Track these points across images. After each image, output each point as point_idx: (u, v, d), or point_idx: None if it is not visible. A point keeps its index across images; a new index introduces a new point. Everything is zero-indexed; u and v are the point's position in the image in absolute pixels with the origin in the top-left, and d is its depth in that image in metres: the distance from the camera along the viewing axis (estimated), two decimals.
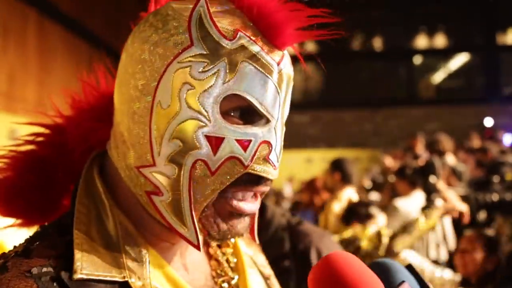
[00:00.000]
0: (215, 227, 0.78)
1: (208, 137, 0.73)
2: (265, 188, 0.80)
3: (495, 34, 13.15)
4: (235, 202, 0.77)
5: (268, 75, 0.75)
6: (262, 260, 1.01)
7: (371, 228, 3.00)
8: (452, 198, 3.42)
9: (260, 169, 0.76)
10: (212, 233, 0.79)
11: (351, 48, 13.59)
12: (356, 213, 3.06)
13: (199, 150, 0.73)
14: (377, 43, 13.67)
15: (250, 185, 0.77)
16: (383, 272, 0.81)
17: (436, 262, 3.58)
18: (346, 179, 4.16)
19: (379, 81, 13.83)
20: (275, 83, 0.76)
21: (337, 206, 3.75)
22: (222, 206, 0.77)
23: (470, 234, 3.05)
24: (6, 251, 0.77)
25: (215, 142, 0.73)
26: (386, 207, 4.82)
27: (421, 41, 13.55)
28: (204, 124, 0.73)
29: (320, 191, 5.00)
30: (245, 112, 0.76)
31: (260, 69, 0.74)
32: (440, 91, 14.32)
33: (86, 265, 0.72)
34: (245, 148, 0.74)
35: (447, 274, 2.99)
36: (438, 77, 14.40)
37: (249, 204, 0.79)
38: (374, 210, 3.11)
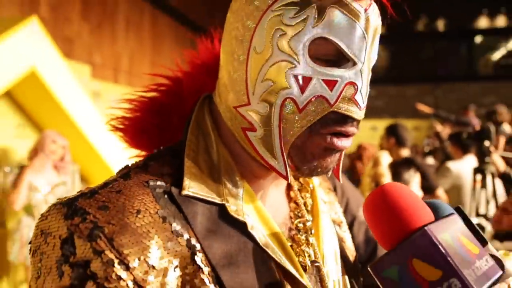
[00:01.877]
0: (306, 162, 0.74)
1: (296, 77, 0.69)
2: (352, 129, 0.73)
3: None
4: (329, 139, 0.71)
5: (355, 20, 0.69)
6: (336, 207, 0.97)
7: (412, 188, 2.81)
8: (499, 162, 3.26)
9: (345, 108, 0.70)
10: (301, 168, 0.74)
11: (416, 29, 12.98)
12: (397, 175, 2.84)
13: (289, 89, 0.69)
14: (440, 25, 12.96)
15: (338, 124, 0.71)
16: (434, 209, 0.75)
17: (485, 216, 3.43)
18: (400, 143, 4.02)
19: (440, 59, 13.15)
20: (362, 28, 0.69)
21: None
22: (316, 143, 0.72)
23: None
24: None
25: (303, 82, 0.69)
26: (439, 168, 4.69)
27: (482, 22, 12.71)
28: (293, 66, 0.69)
29: (363, 158, 4.70)
30: (334, 56, 0.70)
31: (348, 14, 0.68)
32: (498, 68, 13.40)
33: (193, 185, 0.72)
34: (331, 88, 0.69)
35: (484, 223, 2.78)
36: (497, 55, 13.51)
37: (343, 140, 0.73)
38: (412, 172, 2.87)
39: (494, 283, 0.63)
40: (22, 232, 3.61)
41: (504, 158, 3.53)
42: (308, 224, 0.85)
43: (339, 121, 0.71)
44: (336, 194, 0.99)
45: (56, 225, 0.65)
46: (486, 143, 3.29)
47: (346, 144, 0.73)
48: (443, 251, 0.59)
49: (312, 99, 0.69)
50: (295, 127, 0.71)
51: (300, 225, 0.84)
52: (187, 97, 0.89)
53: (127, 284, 0.62)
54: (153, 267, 0.64)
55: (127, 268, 0.62)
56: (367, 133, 11.43)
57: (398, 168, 2.73)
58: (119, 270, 0.62)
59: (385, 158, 2.93)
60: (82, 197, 0.68)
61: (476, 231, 0.80)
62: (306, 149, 0.73)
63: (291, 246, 0.80)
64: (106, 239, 0.62)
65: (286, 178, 0.74)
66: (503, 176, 3.18)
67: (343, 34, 0.68)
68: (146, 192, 0.70)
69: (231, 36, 0.75)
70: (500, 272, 0.64)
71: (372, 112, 12.19)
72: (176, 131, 0.89)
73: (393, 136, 4.07)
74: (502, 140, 4.76)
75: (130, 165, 0.77)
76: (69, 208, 0.66)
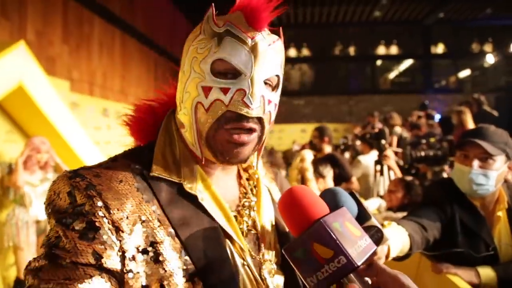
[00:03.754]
0: (218, 152, 0.79)
1: (203, 87, 0.76)
2: (249, 124, 0.77)
3: (430, 46, 12.85)
4: (230, 133, 0.77)
5: (242, 45, 0.76)
6: (276, 192, 0.99)
7: (328, 180, 2.85)
8: (391, 155, 3.43)
9: (238, 108, 0.75)
10: (216, 155, 0.80)
11: (334, 53, 13.39)
12: (317, 170, 2.89)
13: (198, 96, 0.77)
14: (351, 51, 13.44)
15: (236, 120, 0.77)
16: (332, 195, 0.82)
17: (382, 197, 3.59)
18: (329, 141, 4.08)
19: (352, 77, 13.64)
20: (248, 50, 0.76)
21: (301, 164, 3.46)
22: (221, 137, 0.78)
23: (395, 178, 2.98)
24: None
25: (207, 90, 0.76)
26: (352, 161, 4.85)
27: (381, 50, 13.29)
28: (201, 80, 0.77)
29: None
30: (229, 71, 0.76)
31: (237, 41, 0.76)
32: (393, 84, 14.12)
33: (159, 169, 0.78)
34: (225, 93, 0.75)
35: (375, 202, 2.92)
36: (392, 74, 14.18)
37: (242, 136, 0.78)
38: (328, 168, 2.91)
39: (371, 256, 0.68)
40: (18, 217, 3.48)
41: (395, 152, 3.72)
42: (252, 203, 0.88)
43: (236, 119, 0.76)
44: (276, 183, 1.03)
45: (63, 184, 0.73)
46: (383, 141, 3.46)
47: (245, 139, 0.78)
48: (334, 236, 0.63)
49: (213, 102, 0.76)
50: (205, 123, 0.78)
51: (246, 203, 0.87)
52: (161, 114, 0.92)
53: (107, 222, 0.69)
54: (127, 217, 0.71)
55: (109, 212, 0.70)
56: (298, 134, 11.68)
57: (317, 164, 2.83)
58: (103, 211, 0.70)
59: (309, 155, 3.00)
60: (82, 169, 0.76)
61: (363, 210, 0.88)
62: (216, 141, 0.78)
63: (235, 216, 0.83)
64: (97, 193, 0.71)
65: (201, 159, 0.80)
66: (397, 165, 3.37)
67: (234, 56, 0.75)
68: (128, 170, 0.77)
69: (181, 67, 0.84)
70: (374, 248, 0.69)
71: (302, 118, 12.56)
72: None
73: (327, 136, 4.09)
74: (394, 139, 4.96)
75: (117, 154, 0.84)
76: (73, 174, 0.74)
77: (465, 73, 13.00)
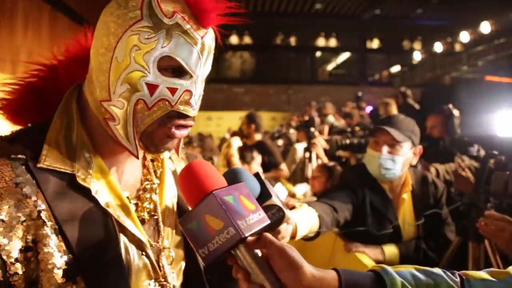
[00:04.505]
0: (153, 145, 0.78)
1: (147, 84, 0.72)
2: (190, 122, 0.78)
3: (366, 41, 13.47)
4: (172, 130, 0.76)
5: (193, 45, 0.74)
6: None
7: (254, 166, 2.88)
8: (320, 143, 3.57)
9: (183, 108, 0.75)
10: (150, 148, 0.78)
11: (275, 43, 13.53)
12: (243, 156, 2.91)
13: (140, 93, 0.72)
14: (292, 41, 13.68)
15: (178, 119, 0.76)
16: (234, 173, 0.83)
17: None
18: (257, 129, 4.08)
19: (292, 67, 13.91)
20: (198, 51, 0.75)
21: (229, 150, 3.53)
22: (162, 132, 0.76)
23: (318, 165, 3.07)
24: None
25: (152, 88, 0.72)
26: (289, 149, 4.94)
27: (321, 42, 13.68)
28: (145, 75, 0.72)
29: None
30: (176, 69, 0.74)
31: (188, 40, 0.73)
32: (331, 76, 14.63)
33: (48, 158, 0.72)
34: (173, 93, 0.74)
35: (303, 188, 3.04)
36: (330, 66, 14.67)
37: (182, 131, 0.78)
38: (255, 154, 2.97)
39: (263, 229, 0.70)
40: None
41: (326, 140, 3.86)
42: (155, 185, 0.87)
43: (179, 117, 0.76)
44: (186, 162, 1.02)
45: None
46: (312, 129, 3.58)
47: (184, 133, 0.79)
48: (224, 208, 0.64)
49: (159, 101, 0.73)
50: (145, 120, 0.74)
51: (148, 186, 0.86)
52: (63, 82, 0.85)
53: None
54: (3, 221, 0.66)
55: None
56: (237, 122, 11.67)
57: (243, 151, 2.84)
58: None
59: (236, 142, 3.01)
60: None
61: (265, 190, 0.90)
62: (154, 136, 0.77)
63: (136, 203, 0.83)
64: None
65: (136, 157, 0.78)
66: (324, 152, 3.49)
67: (183, 54, 0.73)
68: (6, 163, 0.70)
69: (98, 44, 0.75)
70: (267, 222, 0.71)
71: (241, 105, 12.59)
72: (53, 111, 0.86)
73: (254, 123, 4.10)
74: (326, 128, 5.15)
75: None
76: None
77: (396, 68, 13.80)
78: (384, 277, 0.76)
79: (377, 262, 1.79)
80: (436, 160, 2.60)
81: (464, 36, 9.78)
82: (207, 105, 12.04)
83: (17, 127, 0.86)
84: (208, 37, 0.77)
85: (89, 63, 0.79)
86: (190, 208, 0.89)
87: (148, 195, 0.85)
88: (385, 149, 1.78)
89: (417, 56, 11.99)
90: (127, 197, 0.81)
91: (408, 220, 1.89)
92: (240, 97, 12.51)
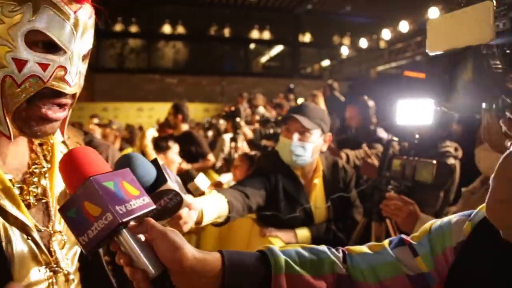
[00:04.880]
0: (27, 127, 0.74)
1: (14, 59, 0.68)
2: (66, 100, 0.75)
3: (298, 34, 13.84)
4: (43, 110, 0.73)
5: (65, 20, 0.71)
6: None
7: (170, 155, 2.83)
8: (248, 132, 3.62)
9: (57, 85, 0.72)
10: (24, 131, 0.74)
11: (209, 33, 13.41)
12: (157, 146, 2.85)
13: (7, 69, 0.68)
14: (226, 32, 13.64)
15: (52, 97, 0.73)
16: (125, 159, 0.81)
17: None
18: (184, 119, 4.03)
19: (226, 58, 13.90)
20: (71, 26, 0.72)
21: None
22: (34, 113, 0.73)
23: (239, 154, 3.08)
24: None
25: (20, 63, 0.69)
26: (218, 139, 4.93)
27: (254, 34, 13.81)
28: (11, 50, 0.68)
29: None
30: (47, 45, 0.71)
31: (59, 14, 0.70)
32: (264, 68, 14.85)
33: None
34: (44, 70, 0.70)
35: (228, 177, 3.09)
36: (264, 58, 14.88)
37: (56, 113, 0.75)
38: (171, 143, 2.93)
39: (145, 214, 0.69)
40: None
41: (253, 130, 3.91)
42: (44, 169, 0.84)
43: (53, 95, 0.73)
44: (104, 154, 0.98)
45: None
46: (237, 119, 3.61)
47: (60, 115, 0.76)
48: (101, 193, 0.63)
49: (29, 78, 0.69)
50: (15, 99, 0.70)
51: (36, 170, 0.83)
52: None
53: None
54: None
55: None
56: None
57: (158, 142, 2.78)
58: None
59: (150, 132, 2.96)
60: None
61: (162, 175, 0.88)
62: (27, 117, 0.73)
63: (21, 187, 0.79)
64: None
65: (9, 138, 0.73)
66: (250, 142, 3.54)
67: (55, 29, 0.70)
68: None
69: None
70: (152, 207, 0.70)
71: (174, 97, 12.29)
72: None
73: (181, 114, 4.04)
74: (257, 118, 5.20)
75: None
76: None
77: (326, 62, 14.36)
78: (269, 256, 0.78)
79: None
80: (346, 147, 2.75)
81: (386, 34, 10.43)
82: (138, 95, 11.64)
83: None
84: (82, 12, 0.74)
85: None
86: None
87: (36, 179, 0.82)
88: (295, 136, 1.84)
89: (344, 51, 12.58)
90: (10, 180, 0.77)
91: (319, 204, 1.97)
92: (173, 88, 12.26)
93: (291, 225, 1.91)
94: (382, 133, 3.18)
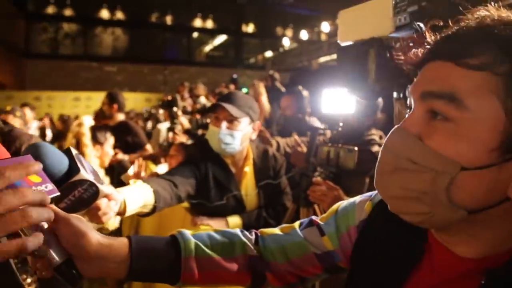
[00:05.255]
0: None
1: None
2: None
3: (241, 25, 13.85)
4: None
5: None
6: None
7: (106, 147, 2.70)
8: (184, 122, 3.59)
9: None
10: None
11: (150, 20, 12.97)
12: (95, 137, 2.70)
13: None
14: (168, 20, 13.28)
15: None
16: (34, 147, 0.78)
17: None
18: (120, 108, 3.91)
19: (168, 46, 13.55)
20: None
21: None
22: None
23: (175, 144, 3.02)
24: None
25: None
26: (154, 129, 4.85)
27: (198, 22, 13.57)
28: None
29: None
30: None
31: None
32: (208, 57, 14.70)
33: None
34: None
35: (165, 167, 3.01)
36: (207, 48, 14.71)
37: None
38: (108, 135, 2.81)
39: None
40: None
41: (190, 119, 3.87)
42: None
43: None
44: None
45: None
46: (174, 109, 3.56)
47: None
48: None
49: None
50: None
51: None
52: None
53: None
54: None
55: None
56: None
57: (94, 131, 2.68)
58: None
59: (88, 121, 2.84)
60: None
61: (75, 165, 0.84)
62: None
63: None
64: None
65: None
66: (187, 132, 3.51)
67: None
68: None
69: None
70: (56, 194, 0.66)
71: (114, 85, 11.77)
72: None
73: (116, 103, 3.89)
74: (195, 107, 5.17)
75: None
76: None
77: (269, 53, 14.50)
78: (179, 240, 0.79)
79: None
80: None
81: (325, 26, 10.74)
82: (74, 84, 11.00)
83: None
84: None
85: None
86: None
87: None
88: (224, 124, 1.85)
89: (286, 43, 12.77)
90: None
91: (250, 192, 2.01)
92: (112, 76, 11.75)
93: (223, 213, 1.93)
94: (316, 123, 3.29)
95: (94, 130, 2.62)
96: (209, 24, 13.65)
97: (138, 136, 3.86)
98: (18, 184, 0.62)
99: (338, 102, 1.97)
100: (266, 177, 2.05)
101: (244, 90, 9.05)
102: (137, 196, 1.37)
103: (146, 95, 11.18)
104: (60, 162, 0.82)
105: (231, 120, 1.86)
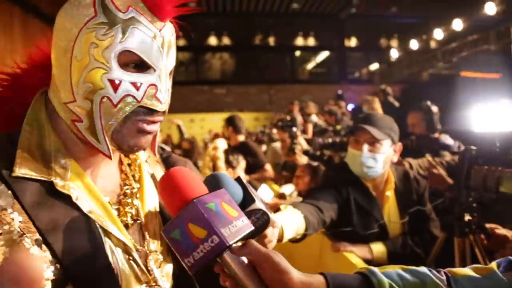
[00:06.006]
0: (125, 143, 0.75)
1: (110, 81, 0.71)
2: (158, 118, 0.77)
3: (344, 39, 13.61)
4: (139, 124, 0.75)
5: (152, 39, 0.73)
6: (161, 173, 0.94)
7: (238, 171, 2.86)
8: (303, 142, 3.58)
9: (150, 103, 0.74)
10: (122, 147, 0.76)
11: (254, 43, 13.53)
12: (228, 161, 2.88)
13: (104, 90, 0.71)
14: (271, 41, 13.71)
15: (146, 115, 0.75)
16: (214, 179, 0.82)
17: None
18: (237, 131, 4.03)
19: (272, 66, 13.94)
20: (158, 45, 0.74)
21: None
22: (131, 128, 0.75)
23: (303, 164, 3.06)
24: None
25: (115, 84, 0.71)
26: (268, 148, 4.96)
27: (299, 41, 13.75)
28: (106, 71, 0.71)
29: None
30: (138, 64, 0.73)
31: (146, 34, 0.72)
32: (311, 75, 14.72)
33: (23, 167, 0.70)
34: (138, 89, 0.73)
35: (290, 188, 3.07)
36: (310, 65, 14.75)
37: (151, 125, 0.76)
38: (240, 158, 2.89)
39: (248, 236, 0.69)
40: None
41: (307, 140, 3.87)
42: (135, 190, 0.86)
43: (147, 113, 0.75)
44: (164, 166, 0.99)
45: None
46: (294, 129, 3.59)
47: (153, 128, 0.77)
48: (206, 216, 0.64)
49: (124, 97, 0.72)
50: (113, 118, 0.73)
51: (128, 191, 0.85)
52: (28, 91, 0.83)
53: None
54: None
55: None
56: (220, 123, 11.64)
57: (228, 154, 2.81)
58: None
59: (222, 144, 2.99)
60: None
61: (248, 194, 0.88)
62: (124, 133, 0.75)
63: (118, 208, 0.81)
64: None
65: (109, 157, 0.75)
66: (306, 152, 3.50)
67: (143, 48, 0.72)
68: None
69: (57, 46, 0.74)
70: (251, 228, 0.70)
71: (223, 107, 12.55)
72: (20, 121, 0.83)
73: (231, 126, 4.10)
74: (310, 126, 5.18)
75: None
76: None
77: (375, 65, 13.98)
78: (372, 279, 0.75)
79: (366, 260, 1.78)
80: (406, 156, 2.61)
81: (438, 34, 9.97)
82: (189, 107, 11.95)
83: None
84: (166, 30, 0.76)
85: (52, 67, 0.78)
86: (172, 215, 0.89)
87: (129, 200, 0.84)
88: (365, 147, 1.78)
89: (394, 54, 12.17)
90: (108, 202, 0.79)
91: (393, 217, 1.89)
92: (222, 98, 12.46)
93: (364, 239, 1.85)
94: (448, 140, 3.00)
95: (227, 153, 2.76)
96: (311, 41, 13.74)
97: (258, 157, 3.97)
98: (224, 219, 0.66)
99: (493, 118, 1.76)
100: (409, 201, 1.91)
101: (350, 106, 8.84)
102: (291, 222, 1.37)
103: (254, 114, 11.61)
104: (237, 192, 0.84)
105: (373, 142, 1.78)
